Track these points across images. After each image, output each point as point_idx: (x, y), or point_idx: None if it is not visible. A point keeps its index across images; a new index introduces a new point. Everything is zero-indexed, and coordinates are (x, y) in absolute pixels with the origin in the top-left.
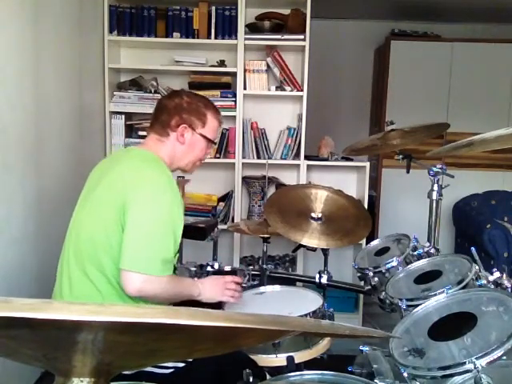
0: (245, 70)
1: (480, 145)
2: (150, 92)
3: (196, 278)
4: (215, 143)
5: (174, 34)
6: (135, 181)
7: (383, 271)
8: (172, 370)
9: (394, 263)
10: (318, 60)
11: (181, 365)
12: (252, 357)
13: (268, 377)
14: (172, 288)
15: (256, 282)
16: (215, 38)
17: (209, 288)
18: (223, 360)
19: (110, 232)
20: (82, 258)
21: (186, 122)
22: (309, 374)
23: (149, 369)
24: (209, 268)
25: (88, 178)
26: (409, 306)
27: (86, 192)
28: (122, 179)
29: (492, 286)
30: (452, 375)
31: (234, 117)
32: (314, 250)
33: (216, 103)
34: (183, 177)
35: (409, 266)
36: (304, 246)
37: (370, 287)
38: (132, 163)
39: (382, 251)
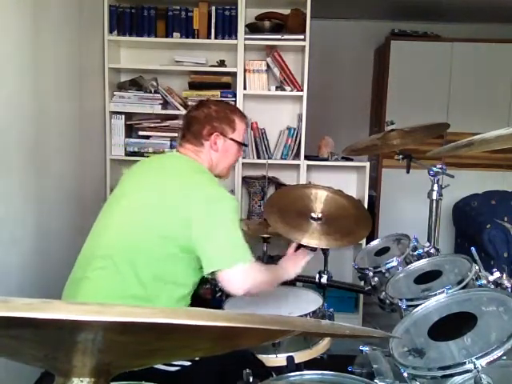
0: (245, 70)
1: (480, 145)
2: (150, 92)
3: None
4: (246, 145)
5: (174, 34)
6: (196, 193)
7: (383, 271)
8: (178, 368)
9: (394, 263)
10: (317, 60)
11: (187, 363)
12: None
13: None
14: (267, 272)
15: None
16: (215, 37)
17: (290, 266)
18: (229, 359)
19: (155, 237)
20: (117, 255)
21: (217, 130)
22: (309, 374)
23: (155, 365)
24: None
25: (128, 177)
26: (409, 305)
27: (130, 191)
28: (182, 191)
29: (492, 286)
30: (452, 375)
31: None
32: (314, 250)
33: None
34: None
35: (409, 265)
36: (304, 246)
37: (370, 287)
38: (188, 174)
39: (382, 251)
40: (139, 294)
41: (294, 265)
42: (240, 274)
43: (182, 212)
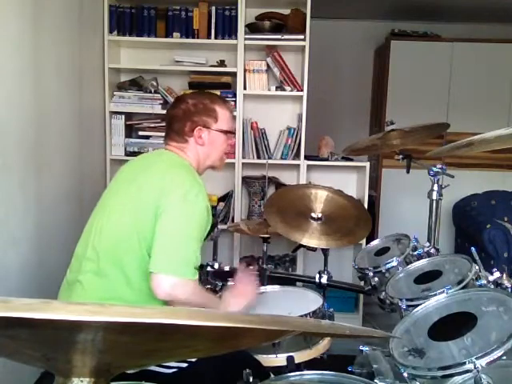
0: (245, 70)
1: (480, 145)
2: (150, 92)
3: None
4: (233, 133)
5: (174, 33)
6: (169, 187)
7: (383, 271)
8: (175, 370)
9: (394, 263)
10: (317, 60)
11: (184, 365)
12: None
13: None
14: (200, 293)
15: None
16: (215, 38)
17: (237, 301)
18: (227, 361)
19: (142, 235)
20: (103, 257)
21: (199, 124)
22: (309, 374)
23: (151, 368)
24: (209, 268)
25: (115, 177)
26: (409, 306)
27: (114, 191)
28: (157, 185)
29: (492, 286)
30: (452, 375)
31: (234, 117)
32: (314, 249)
33: None
34: None
35: (409, 266)
36: (304, 246)
37: (370, 287)
38: (165, 168)
39: (382, 251)
40: (127, 296)
41: (237, 300)
42: (175, 285)
43: (154, 207)
